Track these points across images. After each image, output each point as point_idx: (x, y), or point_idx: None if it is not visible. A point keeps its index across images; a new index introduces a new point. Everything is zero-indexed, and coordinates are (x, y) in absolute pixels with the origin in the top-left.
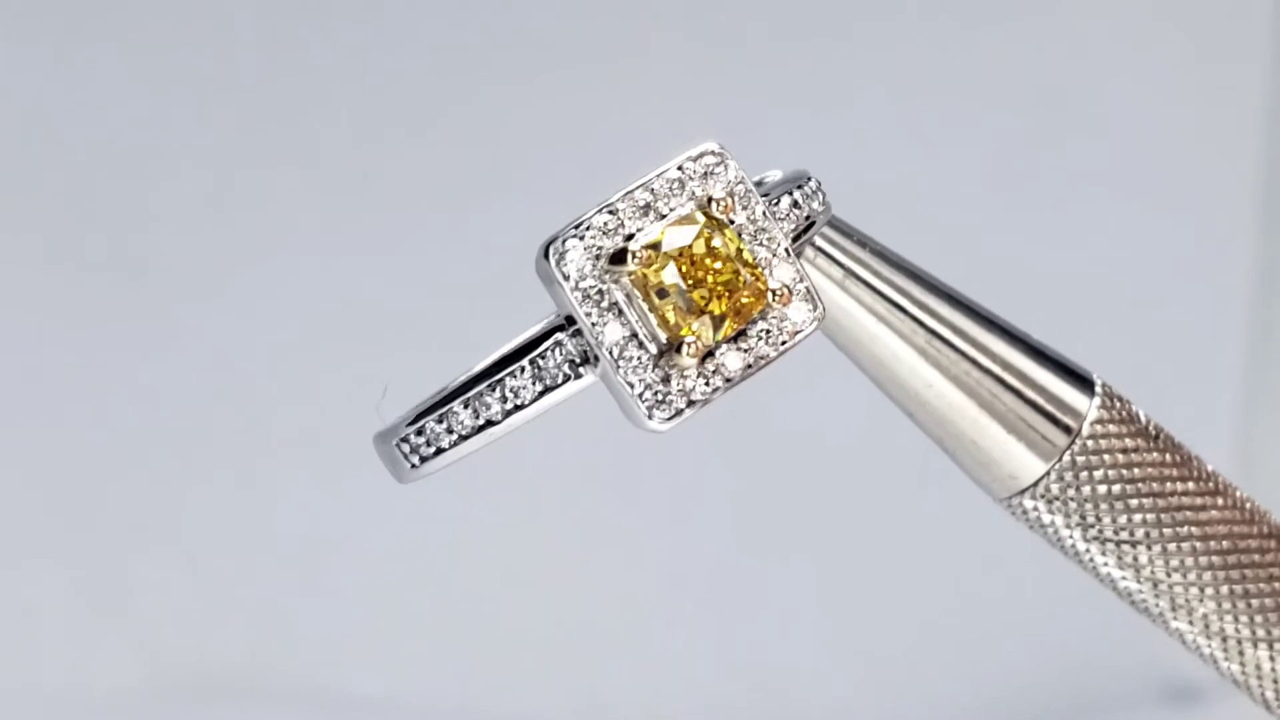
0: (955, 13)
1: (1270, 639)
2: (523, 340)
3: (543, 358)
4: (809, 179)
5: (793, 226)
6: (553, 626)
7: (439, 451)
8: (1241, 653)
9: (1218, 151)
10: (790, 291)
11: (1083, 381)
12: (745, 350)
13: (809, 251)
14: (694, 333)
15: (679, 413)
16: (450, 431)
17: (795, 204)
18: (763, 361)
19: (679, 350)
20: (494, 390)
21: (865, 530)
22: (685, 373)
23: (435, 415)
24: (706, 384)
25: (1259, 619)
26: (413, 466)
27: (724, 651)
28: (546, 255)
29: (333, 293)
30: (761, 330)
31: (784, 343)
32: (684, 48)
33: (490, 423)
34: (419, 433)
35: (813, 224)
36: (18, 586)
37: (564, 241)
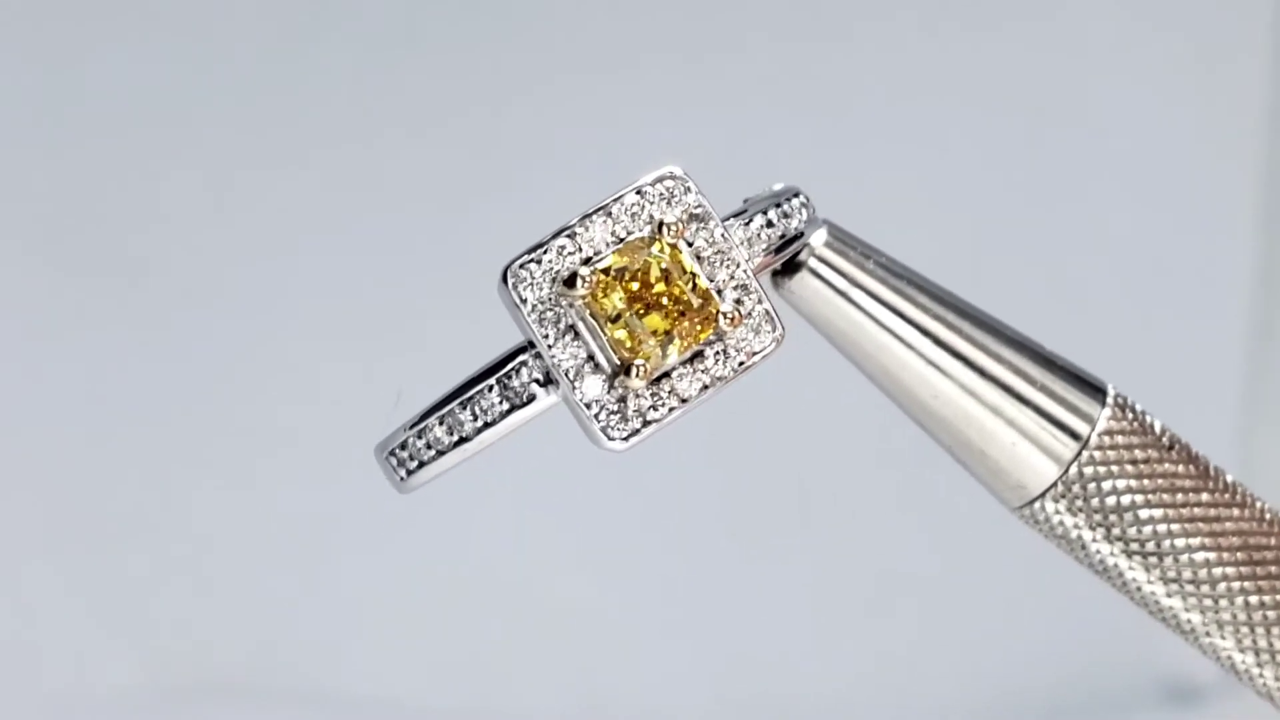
0: (954, 14)
1: (1273, 650)
2: (493, 360)
3: (509, 377)
4: (794, 195)
5: (765, 245)
6: (551, 626)
7: (421, 465)
8: (1260, 665)
9: (1218, 151)
10: (741, 315)
11: (1094, 390)
12: (702, 371)
13: (808, 265)
14: (644, 355)
15: (635, 433)
16: (429, 447)
17: (769, 223)
18: (720, 383)
19: (628, 373)
20: (465, 408)
21: (863, 528)
22: (640, 394)
23: (415, 430)
24: (663, 405)
25: (1275, 630)
26: (401, 479)
27: (722, 651)
28: (505, 280)
29: (333, 293)
30: (718, 352)
31: (741, 364)
32: (684, 49)
33: (464, 439)
34: (402, 447)
35: (795, 239)
36: (18, 587)
37: (521, 266)
